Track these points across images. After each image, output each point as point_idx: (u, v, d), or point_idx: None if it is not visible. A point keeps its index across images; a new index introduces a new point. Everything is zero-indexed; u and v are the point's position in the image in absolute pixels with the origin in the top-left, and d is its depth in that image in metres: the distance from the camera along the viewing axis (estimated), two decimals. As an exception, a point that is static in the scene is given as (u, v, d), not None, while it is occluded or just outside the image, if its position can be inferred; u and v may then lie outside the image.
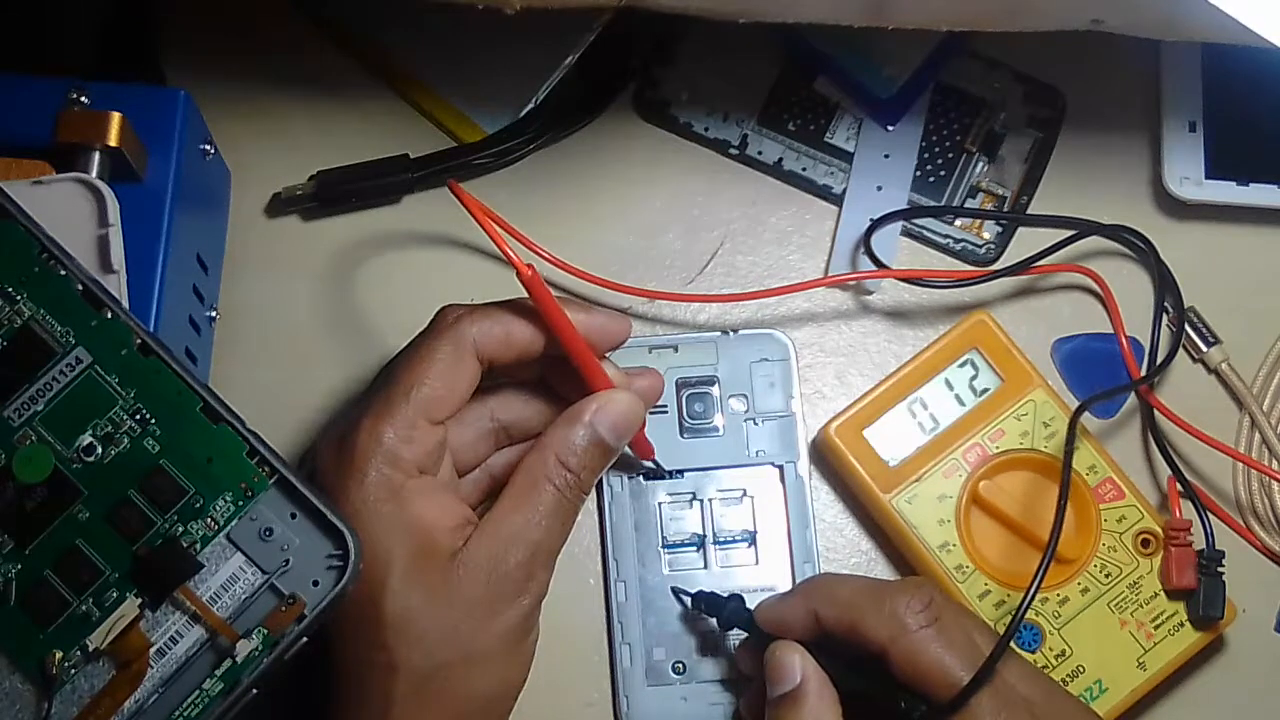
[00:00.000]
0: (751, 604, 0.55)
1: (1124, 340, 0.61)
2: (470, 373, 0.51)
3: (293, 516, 0.45)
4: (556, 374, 0.54)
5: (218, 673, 0.44)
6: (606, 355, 0.55)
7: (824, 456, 0.60)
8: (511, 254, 0.51)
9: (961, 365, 0.60)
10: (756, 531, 0.59)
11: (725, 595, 0.56)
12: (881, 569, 0.60)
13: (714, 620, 0.56)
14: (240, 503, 0.45)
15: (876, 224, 0.61)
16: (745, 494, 0.59)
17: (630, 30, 0.62)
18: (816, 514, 0.60)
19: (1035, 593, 0.52)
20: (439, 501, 0.50)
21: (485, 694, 0.50)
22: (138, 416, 0.45)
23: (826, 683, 0.51)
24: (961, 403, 0.59)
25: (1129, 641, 0.57)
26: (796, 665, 0.51)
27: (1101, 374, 0.62)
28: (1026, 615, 0.56)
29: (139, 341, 0.46)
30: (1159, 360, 0.61)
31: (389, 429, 0.49)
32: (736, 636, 0.57)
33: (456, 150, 0.62)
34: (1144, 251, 0.62)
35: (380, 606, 0.48)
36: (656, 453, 0.58)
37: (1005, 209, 0.63)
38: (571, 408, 0.52)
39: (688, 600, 0.57)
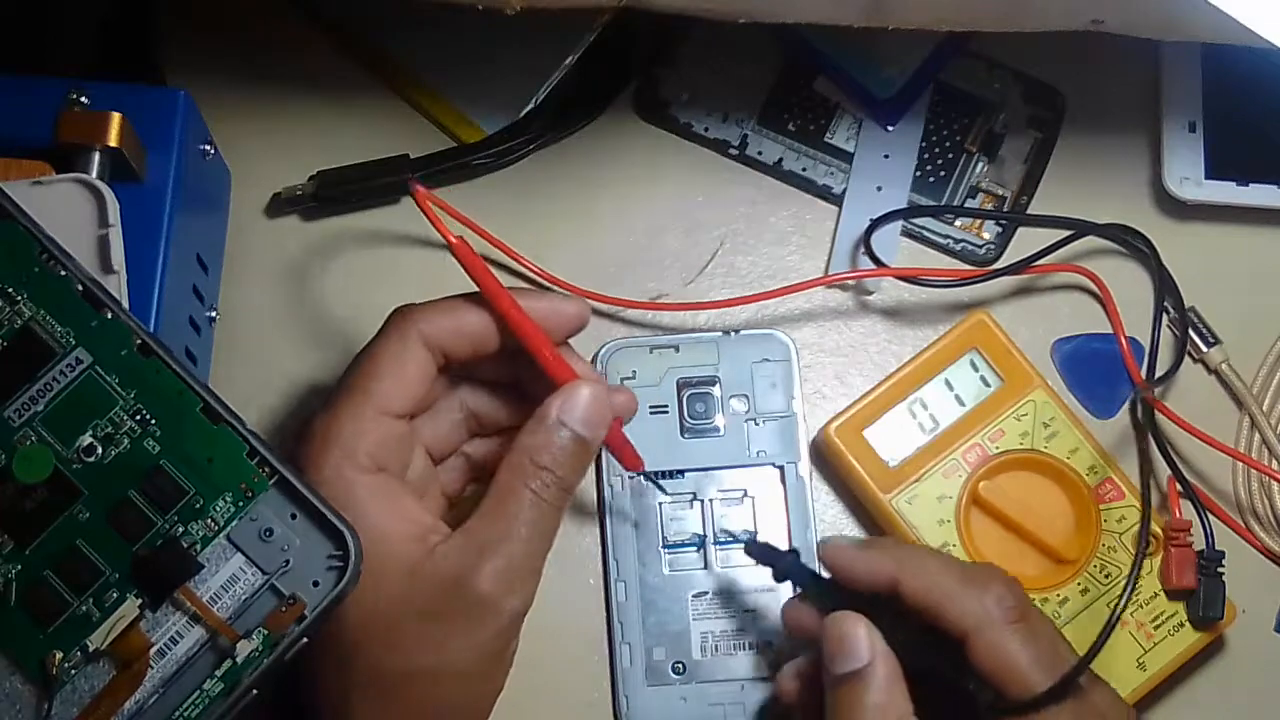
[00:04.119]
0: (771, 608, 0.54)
1: (1123, 340, 0.61)
2: (419, 363, 0.50)
3: (293, 517, 0.45)
4: (529, 374, 0.53)
5: (218, 673, 0.44)
6: (568, 343, 0.54)
7: (824, 457, 0.60)
8: (442, 226, 0.50)
9: (961, 365, 0.60)
10: (757, 532, 0.59)
11: (783, 549, 0.54)
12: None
13: (769, 571, 0.54)
14: (240, 503, 0.45)
15: (876, 224, 0.61)
16: (746, 494, 0.59)
17: (630, 30, 0.62)
18: (817, 514, 0.60)
19: (1123, 609, 0.52)
20: (397, 508, 0.48)
21: (455, 704, 0.49)
22: (138, 417, 0.45)
23: (895, 663, 0.49)
24: (961, 403, 0.59)
25: (1129, 641, 0.57)
26: (864, 642, 0.49)
27: (1101, 374, 0.62)
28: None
29: (139, 342, 0.46)
30: (1164, 367, 0.61)
31: (341, 424, 0.49)
32: (736, 637, 0.57)
33: (456, 150, 0.62)
34: (1144, 252, 0.62)
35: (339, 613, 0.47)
36: (657, 454, 0.59)
37: (1005, 209, 0.63)
38: (539, 408, 0.51)
39: (739, 543, 0.56)
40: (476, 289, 0.51)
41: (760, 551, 0.54)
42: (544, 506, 0.49)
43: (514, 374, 0.54)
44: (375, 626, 0.47)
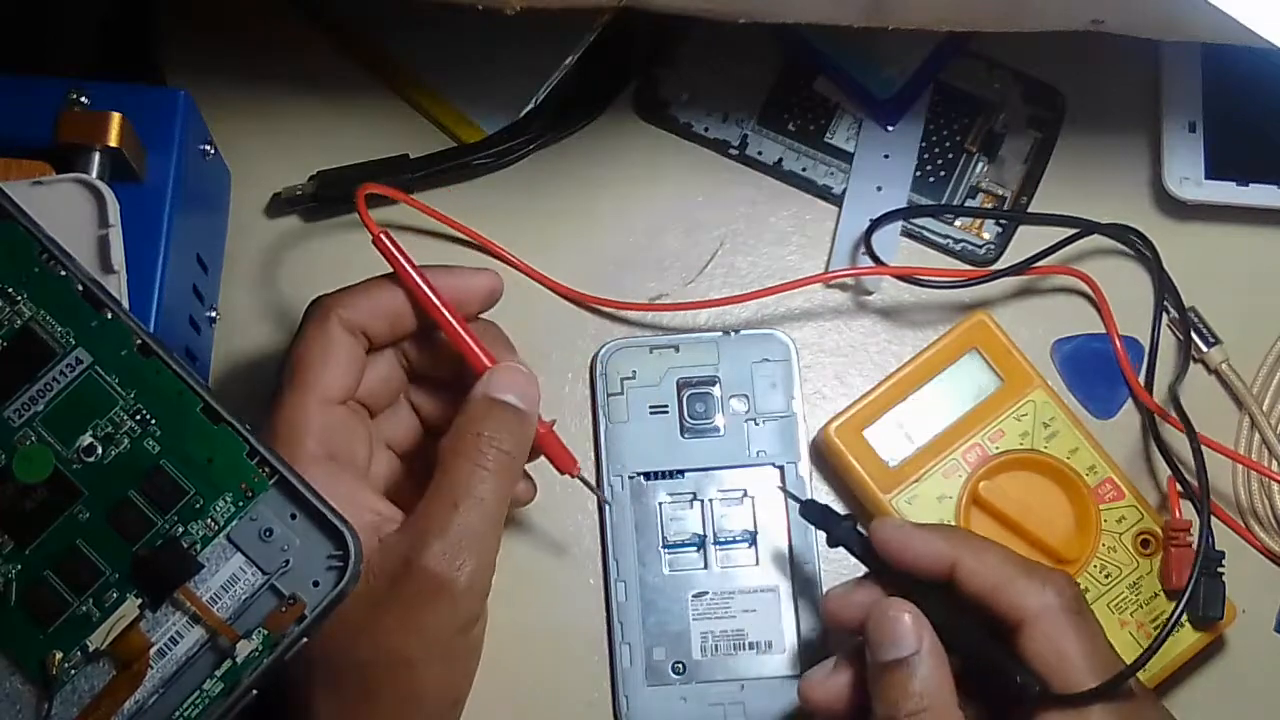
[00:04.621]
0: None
1: (1117, 342, 0.61)
2: (345, 347, 0.51)
3: (293, 517, 0.45)
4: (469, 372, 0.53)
5: (218, 673, 0.43)
6: (500, 329, 0.54)
7: (824, 457, 0.60)
8: (369, 221, 0.52)
9: (961, 365, 0.60)
10: (757, 532, 0.59)
11: (837, 514, 0.54)
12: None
13: (823, 535, 0.54)
14: (240, 503, 0.45)
15: (876, 224, 0.61)
16: (746, 494, 0.59)
17: (630, 30, 0.62)
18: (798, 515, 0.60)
19: (1177, 620, 0.52)
20: (350, 497, 0.48)
21: (422, 692, 0.48)
22: (138, 417, 0.45)
23: (942, 653, 0.49)
24: (961, 403, 0.59)
25: (1129, 642, 0.57)
26: (911, 628, 0.49)
27: (1102, 375, 0.62)
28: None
29: (139, 342, 0.45)
30: (1163, 366, 0.61)
31: (284, 417, 0.49)
32: (736, 637, 0.57)
33: (456, 150, 0.62)
34: (1144, 252, 0.62)
35: None
36: (657, 454, 0.59)
37: (1005, 209, 0.63)
38: (470, 392, 0.51)
39: (795, 504, 0.55)
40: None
41: (816, 514, 0.54)
42: (486, 476, 0.49)
43: (460, 373, 0.53)
44: (335, 620, 0.46)
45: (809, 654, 0.58)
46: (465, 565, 0.47)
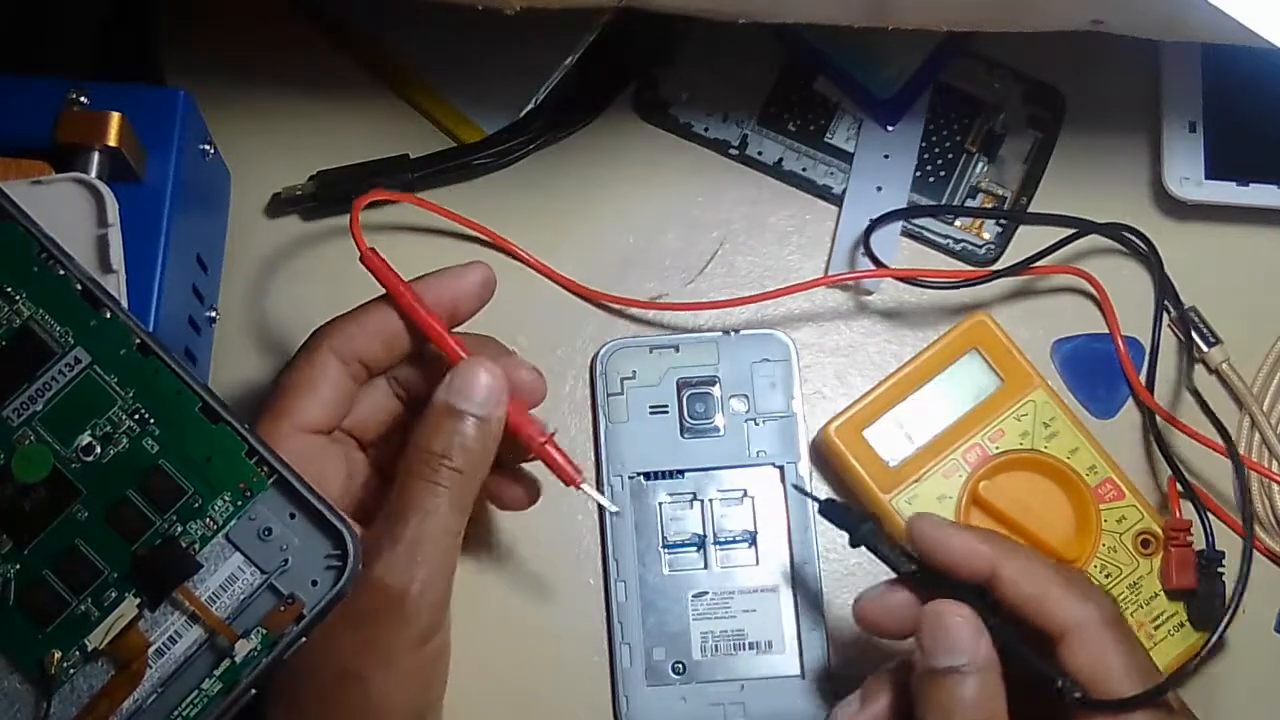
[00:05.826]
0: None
1: (1119, 342, 0.61)
2: (332, 377, 0.50)
3: (291, 516, 0.45)
4: None
5: (216, 673, 0.43)
6: (493, 342, 0.54)
7: (824, 457, 0.60)
8: (359, 238, 0.52)
9: (961, 365, 0.60)
10: (757, 532, 0.59)
11: (859, 514, 0.52)
12: (883, 570, 0.60)
13: (845, 535, 0.52)
14: (239, 503, 0.45)
15: (876, 224, 0.61)
16: (746, 494, 0.59)
17: (630, 30, 0.62)
18: (817, 514, 0.60)
19: (1227, 625, 0.52)
20: None
21: (381, 707, 0.48)
22: (137, 416, 0.45)
23: (998, 664, 0.47)
24: (961, 403, 0.59)
25: (1129, 642, 0.57)
26: (969, 636, 0.47)
27: (1102, 375, 0.62)
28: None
29: (138, 341, 0.46)
30: (1164, 366, 0.61)
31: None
32: (736, 637, 0.57)
33: (456, 150, 0.62)
34: (1144, 252, 0.62)
35: None
36: (657, 454, 0.59)
37: (1005, 209, 0.63)
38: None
39: (814, 503, 0.55)
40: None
41: (837, 514, 0.53)
42: (441, 492, 0.47)
43: None
44: None
45: (809, 654, 0.58)
46: (416, 576, 0.47)
